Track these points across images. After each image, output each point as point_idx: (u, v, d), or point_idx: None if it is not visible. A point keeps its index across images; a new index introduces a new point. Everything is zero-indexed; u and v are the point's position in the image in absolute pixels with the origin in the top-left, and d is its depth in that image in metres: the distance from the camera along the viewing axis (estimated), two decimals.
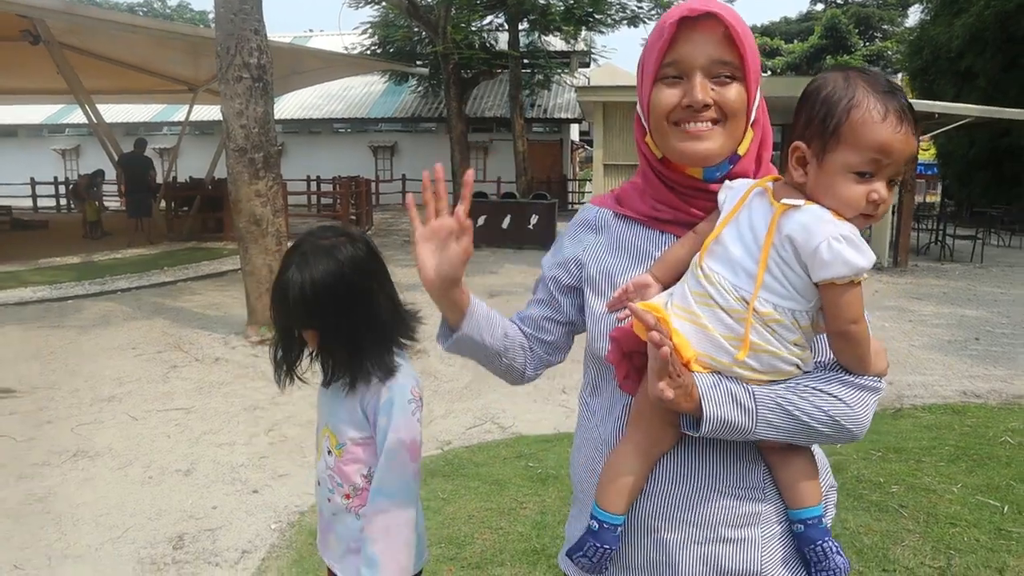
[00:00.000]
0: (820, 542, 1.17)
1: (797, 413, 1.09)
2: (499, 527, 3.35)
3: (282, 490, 3.95)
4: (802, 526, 1.18)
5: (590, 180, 15.17)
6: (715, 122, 1.15)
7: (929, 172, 30.83)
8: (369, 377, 1.55)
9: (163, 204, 15.91)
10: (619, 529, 1.19)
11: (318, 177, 21.69)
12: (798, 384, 1.11)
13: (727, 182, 1.17)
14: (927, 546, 3.08)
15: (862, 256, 1.01)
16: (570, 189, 26.21)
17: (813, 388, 1.10)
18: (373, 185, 22.59)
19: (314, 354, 1.62)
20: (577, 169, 30.92)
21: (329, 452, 1.62)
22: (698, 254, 1.13)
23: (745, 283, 1.07)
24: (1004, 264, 13.67)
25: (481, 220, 14.59)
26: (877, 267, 12.51)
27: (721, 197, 1.16)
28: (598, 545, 1.18)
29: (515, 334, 1.36)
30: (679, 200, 1.21)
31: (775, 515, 1.20)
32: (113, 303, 8.92)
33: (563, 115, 24.60)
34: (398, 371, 1.57)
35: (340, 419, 1.60)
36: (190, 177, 18.58)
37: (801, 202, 1.06)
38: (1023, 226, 17.91)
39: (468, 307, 1.26)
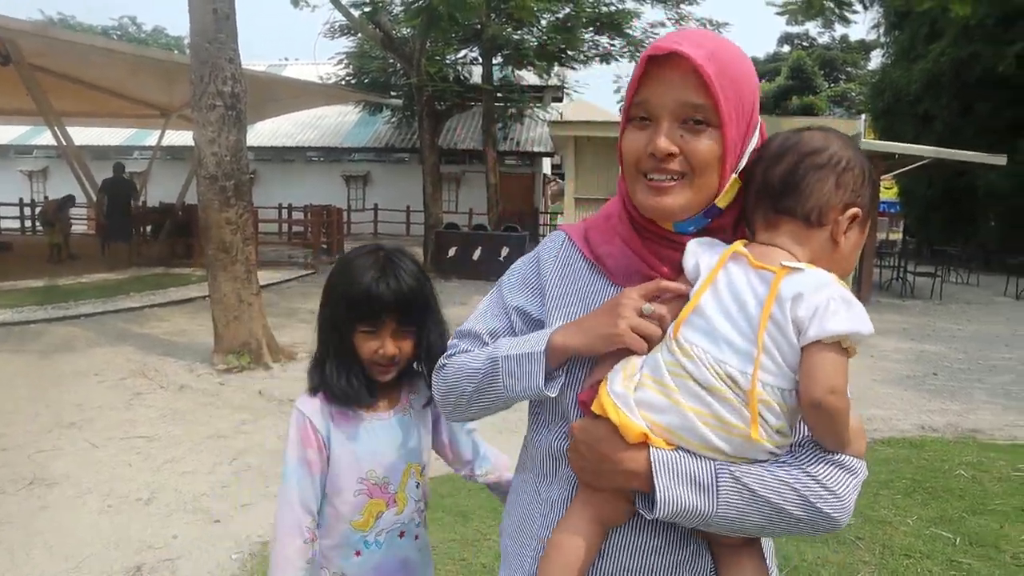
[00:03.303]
0: None
1: (766, 494, 0.96)
2: (463, 558, 3.36)
3: (244, 520, 3.91)
4: None
5: (562, 213, 15.37)
6: (682, 175, 1.05)
7: (892, 210, 31.66)
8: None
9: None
10: None
11: (290, 205, 21.63)
12: (767, 463, 0.99)
13: (689, 245, 1.07)
14: None
15: (864, 321, 0.95)
16: (542, 222, 26.43)
17: (785, 467, 0.98)
18: (345, 214, 22.57)
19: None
20: (549, 202, 31.22)
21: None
22: (673, 323, 1.03)
23: (729, 357, 0.97)
24: (962, 301, 14.04)
25: (452, 251, 14.66)
26: None
27: (689, 262, 1.06)
28: None
29: None
30: (644, 248, 1.12)
31: None
32: (77, 328, 8.78)
33: (536, 148, 24.89)
34: None
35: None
36: (160, 202, 18.44)
37: (804, 264, 1.00)
38: (980, 264, 18.43)
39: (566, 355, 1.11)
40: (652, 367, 1.02)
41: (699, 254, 1.06)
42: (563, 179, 15.19)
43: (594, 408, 1.04)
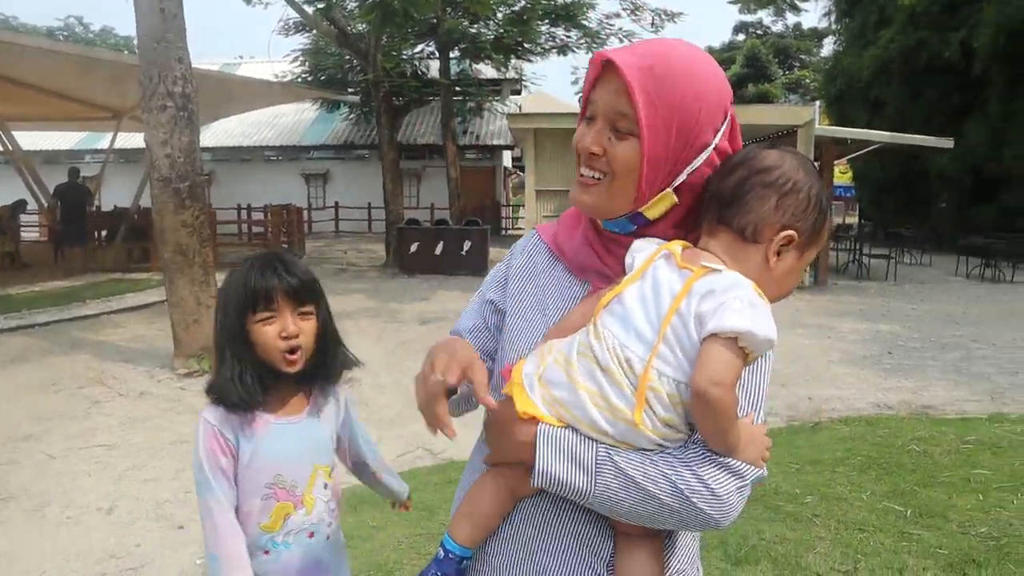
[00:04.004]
0: None
1: (643, 482, 0.98)
2: (428, 552, 3.38)
3: None
4: None
5: (523, 206, 15.42)
6: (604, 175, 1.09)
7: (847, 194, 32.30)
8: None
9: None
10: (464, 562, 1.14)
11: (249, 205, 21.34)
12: (652, 453, 1.01)
13: (634, 244, 1.11)
14: (836, 552, 3.24)
15: (762, 326, 0.95)
16: (503, 215, 26.46)
17: (669, 460, 1.00)
18: (306, 213, 22.35)
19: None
20: (510, 195, 31.26)
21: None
22: (598, 307, 1.07)
23: (634, 344, 1.01)
24: (916, 281, 14.42)
25: (414, 247, 14.61)
26: (799, 286, 13.00)
27: (628, 260, 1.10)
28: (439, 575, 1.14)
29: None
30: (598, 243, 1.17)
31: None
32: (31, 338, 8.59)
33: (496, 142, 24.90)
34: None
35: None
36: (115, 206, 18.06)
37: (722, 267, 1.02)
38: (933, 245, 18.93)
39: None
40: (568, 346, 1.07)
41: (637, 252, 1.09)
42: (524, 171, 15.23)
43: (504, 389, 1.10)
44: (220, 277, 7.82)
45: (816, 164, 14.63)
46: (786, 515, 3.65)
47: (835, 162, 15.62)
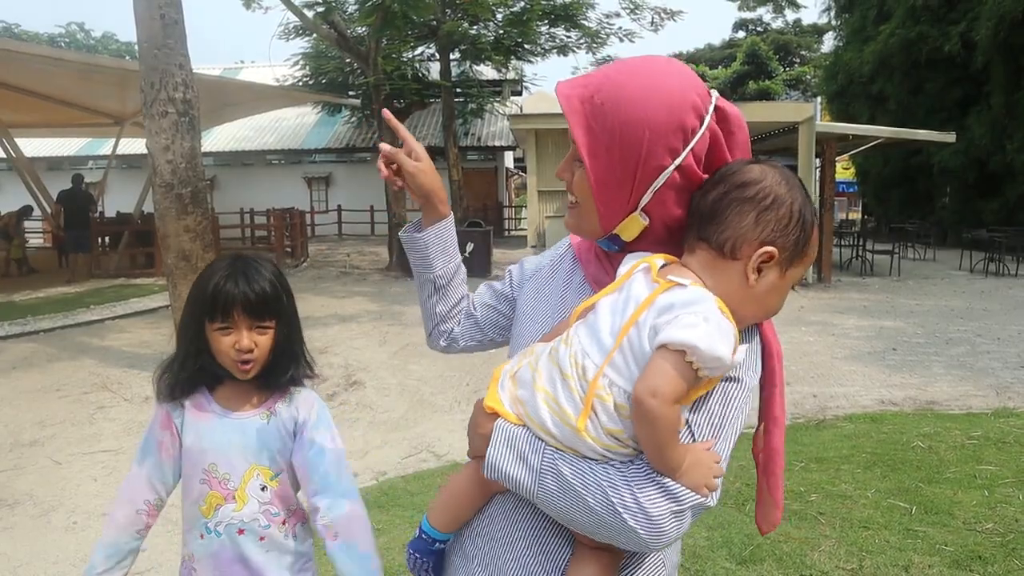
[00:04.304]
0: None
1: (581, 489, 0.99)
2: None
3: None
4: None
5: (526, 206, 15.40)
6: (577, 200, 1.15)
7: (850, 190, 32.23)
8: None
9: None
10: (437, 544, 1.21)
11: (251, 210, 21.36)
12: (597, 463, 1.01)
13: (625, 257, 1.13)
14: (841, 550, 3.23)
15: (711, 342, 0.93)
16: (506, 216, 26.45)
17: (609, 472, 1.00)
18: (308, 216, 22.37)
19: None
20: (513, 196, 31.24)
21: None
22: (574, 314, 1.11)
23: (594, 352, 1.02)
24: (920, 277, 14.38)
25: None
26: (803, 283, 13.00)
27: (619, 271, 1.12)
28: (416, 555, 1.22)
29: (463, 291, 1.45)
30: (606, 258, 1.21)
31: None
32: (36, 344, 8.62)
33: (497, 143, 24.89)
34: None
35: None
36: (118, 212, 18.12)
37: (687, 281, 1.01)
38: (936, 239, 18.88)
39: (442, 221, 1.39)
40: (544, 349, 1.10)
41: (624, 264, 1.11)
42: (526, 172, 15.22)
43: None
44: None
45: (818, 160, 14.64)
46: (791, 513, 3.64)
47: (837, 158, 15.59)
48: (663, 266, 1.07)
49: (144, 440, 1.62)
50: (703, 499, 0.98)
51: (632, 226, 1.10)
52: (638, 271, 1.06)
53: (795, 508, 3.70)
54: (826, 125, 14.58)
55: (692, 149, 1.06)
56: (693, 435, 1.01)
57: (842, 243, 16.90)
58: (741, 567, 3.12)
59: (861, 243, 15.92)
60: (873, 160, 22.49)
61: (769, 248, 1.01)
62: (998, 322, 9.40)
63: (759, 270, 1.02)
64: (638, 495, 0.96)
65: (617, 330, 1.01)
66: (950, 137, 14.42)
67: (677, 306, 0.97)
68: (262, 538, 1.61)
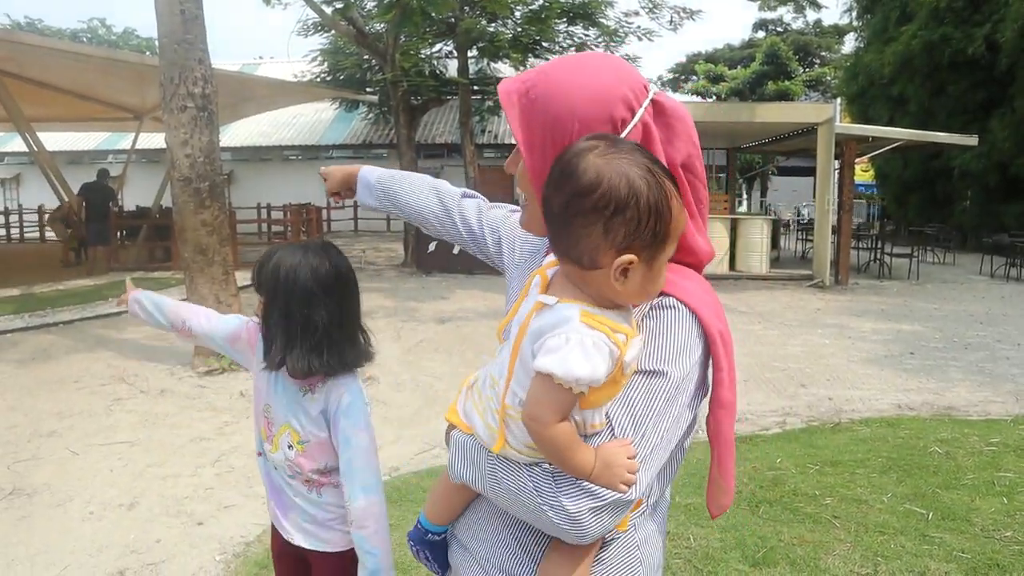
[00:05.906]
0: None
1: (517, 491, 1.06)
2: None
3: (228, 521, 3.92)
4: None
5: None
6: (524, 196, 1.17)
7: (869, 192, 31.95)
8: (327, 375, 1.73)
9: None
10: (430, 535, 1.29)
11: (269, 205, 21.48)
12: (528, 467, 1.06)
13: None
14: (856, 554, 3.21)
15: (583, 364, 0.93)
16: None
17: (541, 473, 1.04)
18: (324, 212, 22.46)
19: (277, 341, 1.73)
20: None
21: (290, 447, 1.76)
22: (505, 320, 1.15)
23: (502, 370, 1.07)
24: (939, 280, 14.23)
25: (432, 246, 14.64)
26: (819, 286, 12.91)
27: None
28: (414, 544, 1.31)
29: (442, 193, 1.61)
30: None
31: None
32: (54, 336, 8.71)
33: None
34: (353, 378, 1.77)
35: (304, 419, 1.75)
36: (137, 205, 18.27)
37: (553, 300, 0.99)
38: (956, 243, 18.67)
39: (362, 179, 1.74)
40: (490, 363, 1.15)
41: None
42: None
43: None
44: (240, 276, 7.83)
45: (837, 162, 14.53)
46: (805, 517, 3.62)
47: (856, 160, 15.45)
48: (553, 275, 1.07)
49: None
50: (622, 495, 1.01)
51: None
52: (533, 284, 1.08)
53: (809, 511, 3.68)
54: (846, 127, 14.47)
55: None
56: (613, 429, 1.02)
57: (859, 246, 16.76)
58: (754, 569, 3.10)
59: (879, 246, 15.77)
60: (893, 162, 22.28)
61: (626, 257, 0.96)
62: (1018, 328, 9.28)
63: (625, 273, 0.97)
64: (560, 495, 1.01)
65: (509, 353, 1.06)
66: (972, 140, 14.24)
67: (545, 329, 0.98)
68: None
